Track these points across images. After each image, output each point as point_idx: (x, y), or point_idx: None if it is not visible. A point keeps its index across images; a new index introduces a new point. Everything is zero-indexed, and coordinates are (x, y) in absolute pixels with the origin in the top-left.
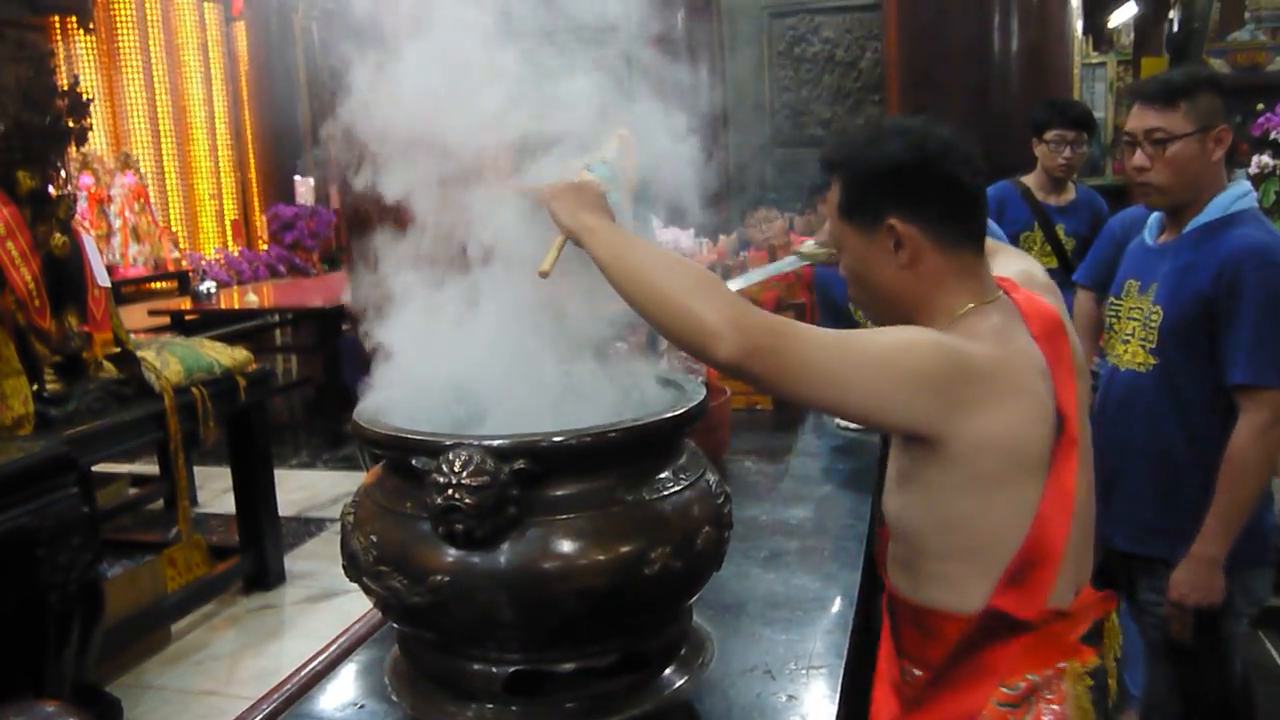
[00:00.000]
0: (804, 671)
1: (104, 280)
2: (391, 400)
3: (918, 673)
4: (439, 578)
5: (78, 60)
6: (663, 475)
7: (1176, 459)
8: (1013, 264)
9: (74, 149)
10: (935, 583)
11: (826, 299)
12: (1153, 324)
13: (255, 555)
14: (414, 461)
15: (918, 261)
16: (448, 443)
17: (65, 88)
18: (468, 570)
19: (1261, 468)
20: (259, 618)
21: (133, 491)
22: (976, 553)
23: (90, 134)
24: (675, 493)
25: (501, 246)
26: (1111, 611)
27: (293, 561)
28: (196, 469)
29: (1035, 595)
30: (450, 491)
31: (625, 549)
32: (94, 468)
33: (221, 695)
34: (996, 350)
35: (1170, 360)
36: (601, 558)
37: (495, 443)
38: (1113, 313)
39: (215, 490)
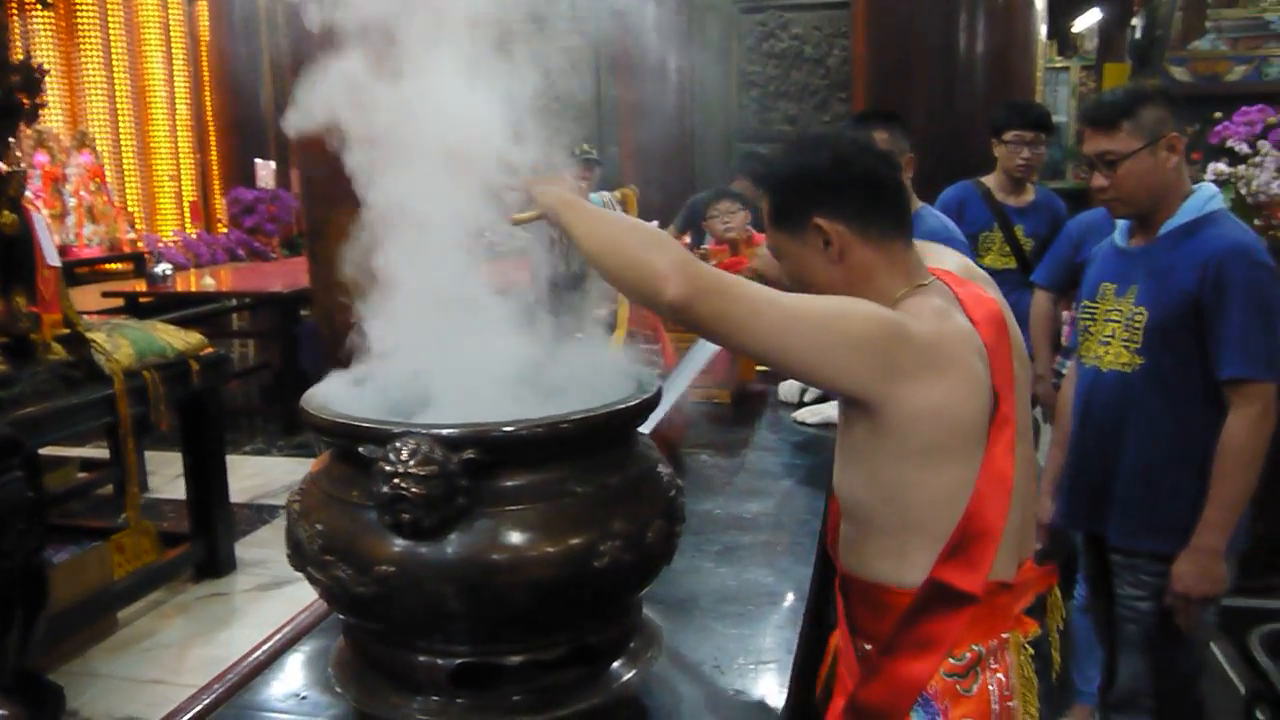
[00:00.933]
0: (753, 666)
1: (54, 260)
2: (344, 386)
3: (869, 647)
4: (385, 568)
5: (34, 36)
6: (616, 467)
7: (1166, 455)
8: (949, 259)
9: (26, 126)
10: (882, 557)
11: None
12: (1137, 325)
13: (206, 542)
14: (361, 449)
15: (847, 255)
16: (396, 431)
17: (18, 63)
18: (415, 561)
19: (1255, 458)
20: (209, 605)
21: (82, 476)
22: (917, 524)
23: (46, 111)
24: (628, 485)
25: (462, 233)
26: (1053, 586)
27: (244, 549)
28: (149, 454)
29: (977, 569)
30: (397, 481)
31: (575, 541)
32: (43, 451)
33: (169, 684)
34: (935, 326)
35: (1158, 359)
36: (551, 550)
37: (445, 432)
38: (1087, 314)
39: (167, 475)
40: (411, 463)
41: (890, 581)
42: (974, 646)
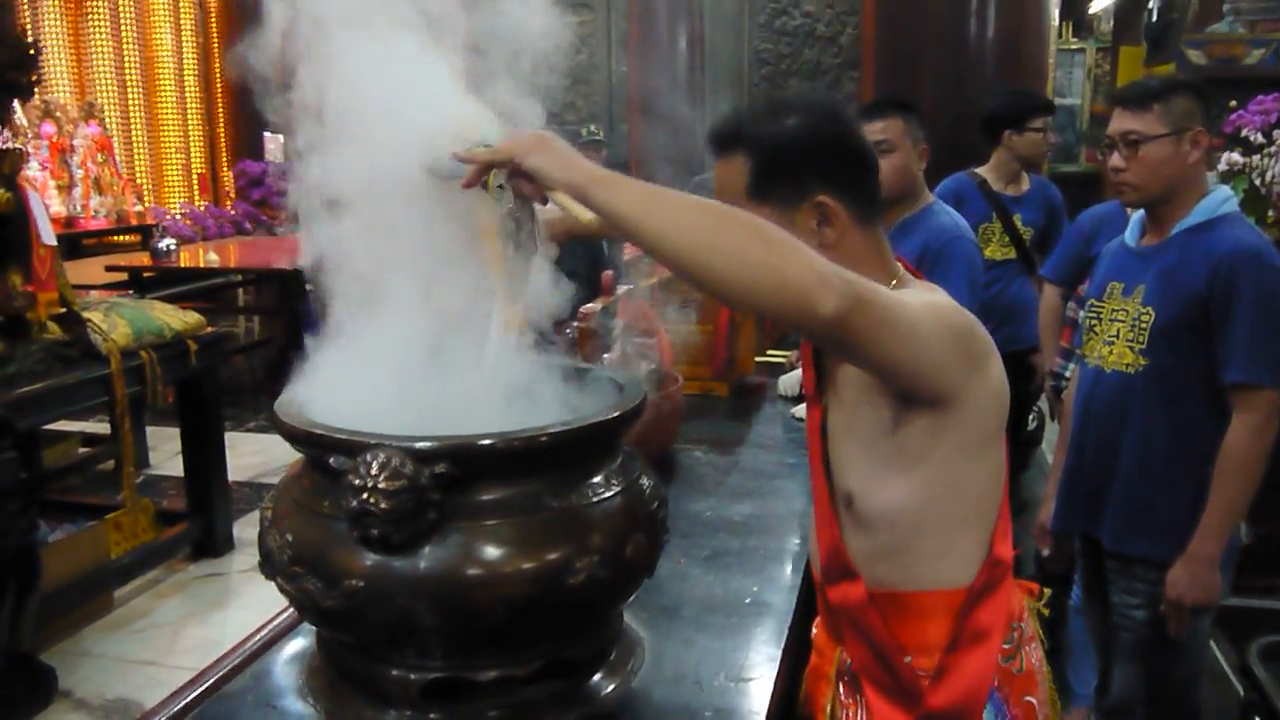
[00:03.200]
0: (733, 684)
1: (50, 239)
2: (322, 389)
3: (909, 659)
4: (354, 582)
5: (41, 5)
6: (594, 480)
7: (1165, 458)
8: None
9: (22, 103)
10: (929, 560)
11: None
12: (1143, 325)
13: (203, 521)
14: (331, 461)
15: (843, 240)
16: (368, 443)
17: (8, 39)
18: (385, 575)
19: (1256, 465)
20: (205, 585)
21: (83, 451)
22: (971, 515)
23: (53, 82)
24: (606, 499)
25: (443, 231)
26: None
27: (242, 528)
28: (151, 430)
29: (1007, 539)
30: (365, 495)
31: (550, 557)
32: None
33: (161, 665)
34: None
35: (1162, 361)
36: (525, 566)
37: (417, 445)
38: (1094, 314)
39: (169, 451)
40: (381, 477)
41: (939, 585)
42: (1016, 625)
